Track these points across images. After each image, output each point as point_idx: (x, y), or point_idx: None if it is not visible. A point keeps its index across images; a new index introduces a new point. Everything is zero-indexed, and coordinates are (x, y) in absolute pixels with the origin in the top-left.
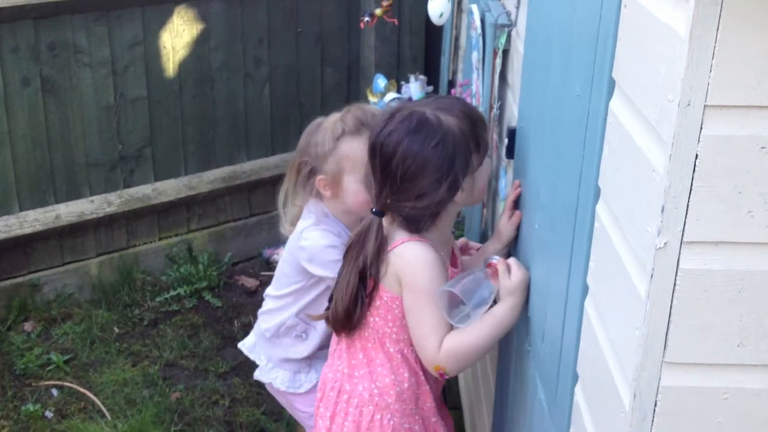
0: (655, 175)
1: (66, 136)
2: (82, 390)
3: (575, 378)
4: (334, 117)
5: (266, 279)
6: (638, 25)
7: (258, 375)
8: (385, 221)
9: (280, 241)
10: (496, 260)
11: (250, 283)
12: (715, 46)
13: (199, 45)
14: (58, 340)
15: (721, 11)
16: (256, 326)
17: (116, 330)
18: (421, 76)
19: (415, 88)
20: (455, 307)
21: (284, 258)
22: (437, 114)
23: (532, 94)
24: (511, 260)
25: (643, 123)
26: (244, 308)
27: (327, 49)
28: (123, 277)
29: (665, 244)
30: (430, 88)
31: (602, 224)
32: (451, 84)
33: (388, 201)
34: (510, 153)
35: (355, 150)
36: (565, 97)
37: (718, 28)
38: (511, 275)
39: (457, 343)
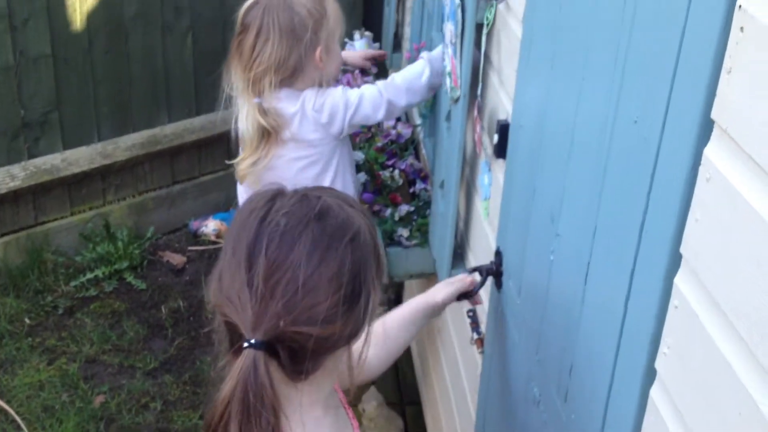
0: None
1: None
2: None
3: None
4: None
5: (194, 254)
6: (762, 51)
7: None
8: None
9: (207, 211)
10: None
11: (177, 259)
12: None
13: None
14: None
15: None
16: None
17: (27, 321)
18: (367, 33)
19: (360, 46)
20: None
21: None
22: (340, 203)
23: (538, 89)
24: None
25: None
26: (172, 290)
27: None
28: (32, 260)
29: None
30: (377, 45)
31: (689, 306)
32: (397, 37)
33: (280, 324)
34: (500, 152)
35: (337, 6)
36: (607, 117)
37: None
38: None
39: None
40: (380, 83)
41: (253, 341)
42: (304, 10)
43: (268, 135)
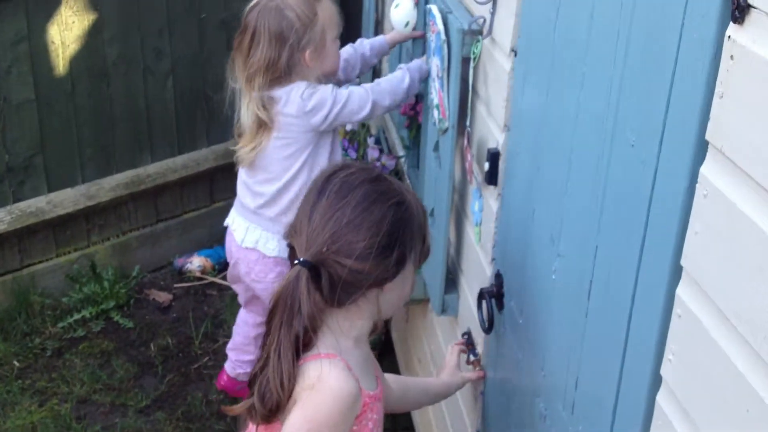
0: None
1: None
2: None
3: None
4: None
5: (180, 291)
6: (751, 76)
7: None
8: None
9: (191, 248)
10: None
11: (163, 297)
12: None
13: (91, 37)
14: None
15: None
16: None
17: (16, 364)
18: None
19: None
20: None
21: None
22: (399, 182)
23: (533, 116)
24: None
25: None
26: (159, 327)
27: (234, 35)
28: (19, 302)
29: None
30: (357, 81)
31: (692, 313)
32: (375, 72)
33: (324, 250)
34: (491, 179)
35: (331, 8)
36: (605, 141)
37: None
38: None
39: None
40: (366, 85)
41: (301, 259)
42: (293, 14)
43: (264, 125)
